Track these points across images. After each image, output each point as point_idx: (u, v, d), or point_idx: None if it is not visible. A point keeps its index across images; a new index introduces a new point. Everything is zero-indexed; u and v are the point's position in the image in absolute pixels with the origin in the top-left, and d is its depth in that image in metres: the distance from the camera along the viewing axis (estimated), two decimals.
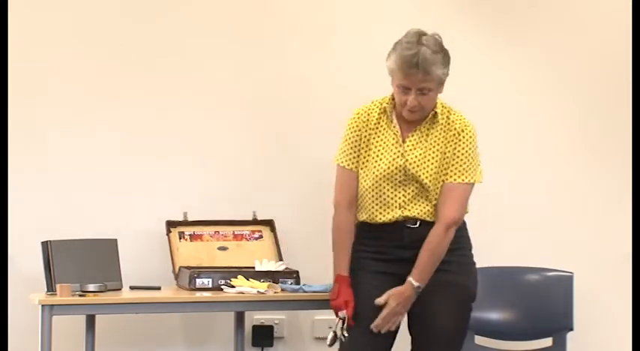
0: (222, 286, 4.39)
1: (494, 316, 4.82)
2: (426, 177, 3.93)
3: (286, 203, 4.90)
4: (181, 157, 4.88)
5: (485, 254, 4.85)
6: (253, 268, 4.56)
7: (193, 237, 4.71)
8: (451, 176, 3.94)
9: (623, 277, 4.74)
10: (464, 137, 3.96)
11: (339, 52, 4.94)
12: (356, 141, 4.01)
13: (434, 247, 3.90)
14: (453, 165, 3.94)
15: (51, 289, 4.30)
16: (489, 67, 5.05)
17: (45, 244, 4.38)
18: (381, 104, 4.01)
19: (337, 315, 3.94)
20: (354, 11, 4.99)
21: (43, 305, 4.09)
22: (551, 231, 5.00)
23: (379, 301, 3.88)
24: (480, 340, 4.79)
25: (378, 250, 3.97)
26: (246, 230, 4.76)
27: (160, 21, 4.88)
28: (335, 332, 3.94)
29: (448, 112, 4.00)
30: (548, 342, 4.77)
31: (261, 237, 4.77)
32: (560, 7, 5.06)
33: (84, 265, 4.41)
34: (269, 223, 4.78)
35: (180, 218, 4.73)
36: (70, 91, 4.81)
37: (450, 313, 3.92)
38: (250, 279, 4.40)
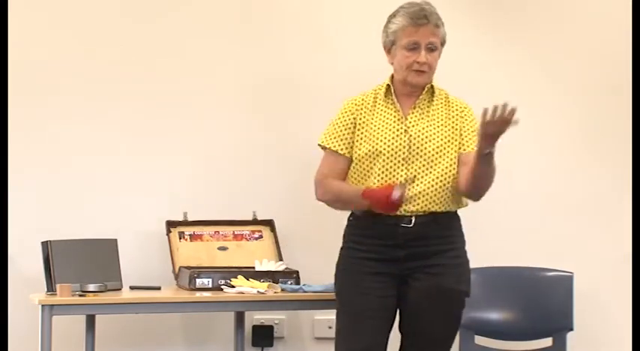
0: (222, 286, 4.39)
1: (494, 316, 4.82)
2: (431, 149, 3.92)
3: (286, 203, 4.90)
4: (181, 157, 4.88)
5: (486, 254, 4.87)
6: (253, 268, 4.57)
7: (193, 237, 4.71)
8: (469, 146, 3.94)
9: (623, 277, 4.74)
10: (468, 112, 4.01)
11: (339, 52, 4.94)
12: (347, 125, 4.01)
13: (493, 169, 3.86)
14: (468, 136, 3.95)
15: (51, 289, 4.30)
16: (489, 67, 5.04)
17: (45, 244, 4.38)
18: (375, 91, 4.04)
19: (397, 194, 3.76)
20: (354, 11, 4.99)
21: (43, 305, 4.09)
22: (552, 231, 5.00)
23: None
24: (479, 340, 4.79)
25: (372, 249, 3.93)
26: (246, 230, 4.76)
27: (160, 21, 4.89)
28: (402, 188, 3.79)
29: (446, 93, 4.04)
30: (548, 342, 4.76)
31: (261, 237, 4.77)
32: (560, 6, 5.05)
33: (84, 265, 4.41)
34: (269, 223, 4.78)
35: (181, 218, 4.73)
36: (70, 91, 4.81)
37: (442, 322, 3.91)
38: (250, 279, 4.40)
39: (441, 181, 3.93)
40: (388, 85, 4.01)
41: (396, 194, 3.78)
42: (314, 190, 4.03)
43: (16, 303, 4.50)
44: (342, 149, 4.01)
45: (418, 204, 3.91)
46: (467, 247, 4.01)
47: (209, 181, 4.89)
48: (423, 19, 3.91)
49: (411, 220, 3.91)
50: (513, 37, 5.04)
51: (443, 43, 3.99)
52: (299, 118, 4.93)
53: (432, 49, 3.93)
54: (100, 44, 4.84)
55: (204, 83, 4.90)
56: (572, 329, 4.75)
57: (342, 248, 4.04)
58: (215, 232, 4.74)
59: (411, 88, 3.98)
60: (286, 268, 4.57)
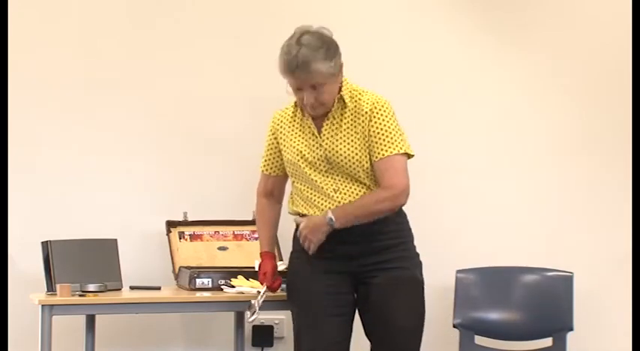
0: (222, 286, 4.39)
1: (494, 316, 4.82)
2: (345, 163, 3.94)
3: (286, 203, 4.89)
4: (181, 157, 4.88)
5: (486, 254, 4.87)
6: (253, 268, 4.56)
7: (193, 237, 4.71)
8: (378, 153, 3.92)
9: (623, 277, 4.74)
10: (376, 114, 3.93)
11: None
12: (271, 145, 4.12)
13: (367, 202, 3.90)
14: (375, 143, 3.93)
15: (51, 289, 4.30)
16: (489, 68, 5.04)
17: (45, 244, 4.38)
18: (296, 102, 4.06)
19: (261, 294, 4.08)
20: (354, 12, 4.99)
21: (43, 305, 4.09)
22: (551, 231, 5.00)
23: (298, 219, 3.98)
24: (479, 340, 4.79)
25: (323, 247, 3.96)
26: (246, 230, 4.76)
27: (161, 21, 4.89)
28: (252, 303, 4.06)
29: (359, 93, 3.99)
30: (548, 342, 4.76)
31: None
32: (560, 6, 5.05)
33: (84, 265, 4.41)
34: None
35: (180, 218, 4.73)
36: (71, 91, 4.82)
37: (409, 313, 3.94)
38: (250, 279, 4.40)
39: (363, 190, 3.95)
40: (297, 101, 4.03)
41: (261, 291, 4.08)
42: None
43: (16, 303, 4.50)
44: (267, 170, 4.15)
45: None
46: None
47: (209, 181, 4.89)
48: (294, 70, 3.88)
49: None
50: (514, 38, 5.04)
51: (333, 74, 3.91)
52: None
53: (314, 86, 3.90)
54: (100, 44, 4.84)
55: (204, 83, 4.90)
56: (572, 329, 4.75)
57: (292, 251, 4.10)
58: (215, 232, 4.74)
59: None
60: (286, 268, 4.55)
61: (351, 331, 4.00)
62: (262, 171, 4.17)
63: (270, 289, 4.11)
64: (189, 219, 4.74)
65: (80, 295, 4.22)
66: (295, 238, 4.07)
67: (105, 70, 4.83)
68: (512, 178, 5.02)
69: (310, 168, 3.99)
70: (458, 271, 4.82)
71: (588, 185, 5.03)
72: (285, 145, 4.06)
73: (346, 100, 3.96)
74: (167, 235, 4.68)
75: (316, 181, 3.98)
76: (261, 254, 4.16)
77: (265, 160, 4.15)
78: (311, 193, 4.00)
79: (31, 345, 4.24)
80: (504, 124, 5.04)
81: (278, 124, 4.10)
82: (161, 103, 4.87)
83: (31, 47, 4.79)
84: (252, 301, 4.08)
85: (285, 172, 4.11)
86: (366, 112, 3.94)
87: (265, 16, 4.94)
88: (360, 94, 3.99)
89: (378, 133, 3.92)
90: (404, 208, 3.99)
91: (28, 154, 4.77)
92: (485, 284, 4.83)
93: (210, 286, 4.40)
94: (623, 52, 4.85)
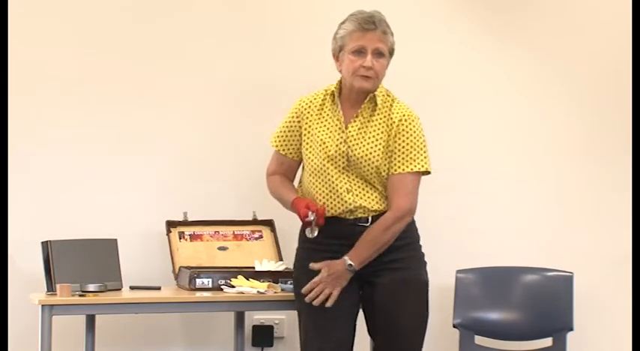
0: (222, 286, 4.39)
1: (494, 316, 4.83)
2: (366, 166, 3.94)
3: None
4: (182, 157, 4.88)
5: (486, 254, 4.88)
6: (253, 268, 4.57)
7: (193, 237, 4.71)
8: (397, 167, 3.95)
9: (623, 277, 4.74)
10: (405, 128, 3.96)
11: None
12: (292, 127, 4.08)
13: (377, 234, 3.91)
14: (396, 155, 3.96)
15: (51, 289, 4.30)
16: (489, 68, 5.04)
17: (45, 244, 4.38)
18: (326, 91, 4.06)
19: (308, 222, 3.94)
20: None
21: (43, 305, 4.09)
22: (551, 231, 5.00)
23: (314, 266, 3.90)
24: (479, 340, 4.79)
25: (331, 248, 3.97)
26: (246, 230, 4.76)
27: (161, 21, 4.88)
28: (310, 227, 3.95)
29: (392, 100, 4.02)
30: (548, 342, 4.77)
31: (261, 237, 4.77)
32: (560, 6, 5.06)
33: (84, 265, 4.41)
34: (269, 223, 4.78)
35: (181, 218, 4.73)
36: (70, 91, 4.81)
37: (414, 314, 3.96)
38: (250, 279, 4.40)
39: (375, 195, 3.97)
40: (333, 91, 4.04)
41: (310, 217, 3.91)
42: None
43: (16, 303, 4.49)
44: (284, 150, 4.11)
45: (363, 213, 3.97)
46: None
47: (209, 181, 4.89)
48: (370, 24, 3.93)
49: (368, 219, 3.96)
50: (514, 38, 5.04)
51: (391, 53, 3.99)
52: None
53: (379, 55, 3.94)
54: (99, 44, 4.83)
55: (203, 83, 4.90)
56: (572, 329, 4.75)
57: (298, 248, 4.10)
58: (215, 232, 4.74)
59: (356, 95, 4.00)
60: (286, 268, 4.56)
61: (355, 329, 4.02)
62: (278, 150, 4.12)
63: (318, 213, 3.92)
64: (189, 219, 4.74)
65: (80, 295, 4.22)
66: (302, 232, 4.04)
67: (105, 69, 4.83)
68: (513, 178, 5.02)
69: (329, 162, 3.97)
70: (458, 271, 4.82)
71: (588, 185, 5.03)
72: (308, 133, 4.04)
73: (378, 101, 3.98)
74: (167, 235, 4.68)
75: (332, 176, 3.97)
76: (294, 201, 4.01)
77: (282, 139, 4.11)
78: (319, 192, 3.98)
79: (31, 345, 4.24)
80: (504, 125, 5.04)
81: (305, 109, 4.07)
82: (161, 103, 4.87)
83: (32, 47, 4.78)
84: (309, 226, 3.95)
85: (300, 157, 4.09)
86: (394, 123, 3.96)
87: (265, 16, 4.94)
88: (392, 100, 4.02)
89: (403, 147, 3.95)
90: None
91: (28, 154, 4.76)
92: (485, 284, 4.83)
93: (210, 286, 4.40)
94: (623, 53, 4.86)
